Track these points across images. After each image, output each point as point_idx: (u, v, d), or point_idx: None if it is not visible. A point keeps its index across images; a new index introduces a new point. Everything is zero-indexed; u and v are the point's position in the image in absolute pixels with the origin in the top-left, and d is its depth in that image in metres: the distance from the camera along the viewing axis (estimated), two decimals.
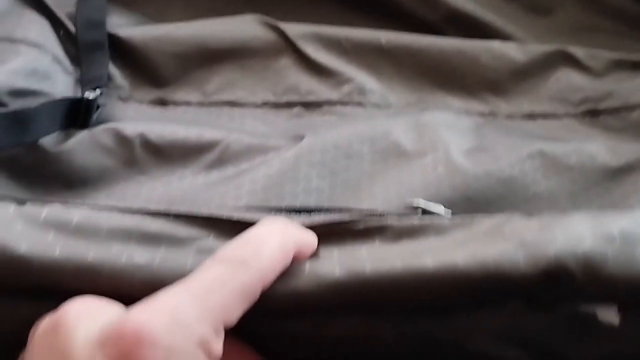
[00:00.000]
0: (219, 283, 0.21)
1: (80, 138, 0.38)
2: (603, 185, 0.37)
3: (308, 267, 0.23)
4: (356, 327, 0.23)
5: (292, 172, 0.36)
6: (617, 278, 0.22)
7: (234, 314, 0.21)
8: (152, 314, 0.20)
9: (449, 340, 0.23)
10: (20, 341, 0.21)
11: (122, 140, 0.39)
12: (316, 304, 0.22)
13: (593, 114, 0.44)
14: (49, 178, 0.36)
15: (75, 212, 0.25)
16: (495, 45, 0.45)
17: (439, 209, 0.27)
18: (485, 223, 0.24)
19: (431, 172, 0.36)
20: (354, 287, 0.22)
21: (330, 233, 0.25)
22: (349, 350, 0.24)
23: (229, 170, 0.37)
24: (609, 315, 0.23)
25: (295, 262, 0.23)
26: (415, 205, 0.27)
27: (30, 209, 0.24)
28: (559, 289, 0.22)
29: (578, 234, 0.22)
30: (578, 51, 0.45)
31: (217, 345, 0.20)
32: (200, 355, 0.20)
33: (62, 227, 0.24)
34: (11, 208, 0.24)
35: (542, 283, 0.22)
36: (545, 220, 0.24)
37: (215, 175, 0.37)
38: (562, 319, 0.23)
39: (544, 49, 0.45)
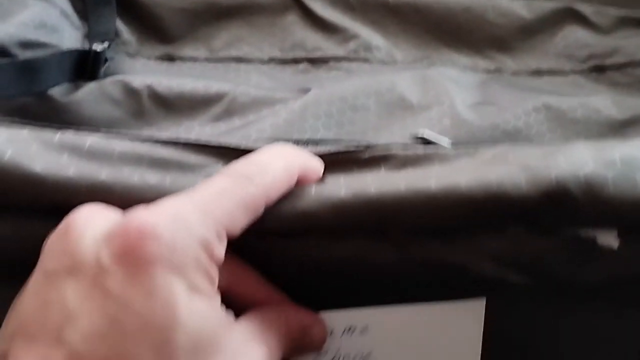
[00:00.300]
0: (222, 193, 0.21)
1: (89, 89, 0.39)
2: (608, 137, 0.37)
3: (314, 189, 0.23)
4: (360, 250, 0.24)
5: (299, 122, 0.37)
6: (617, 200, 0.22)
7: (237, 224, 0.21)
8: (155, 213, 0.20)
9: (451, 265, 0.24)
10: (34, 259, 0.21)
11: (130, 91, 0.40)
12: (321, 224, 0.23)
13: (599, 70, 0.44)
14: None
15: (88, 137, 0.25)
16: (502, 2, 0.45)
17: (443, 140, 0.28)
18: (489, 152, 0.24)
19: (436, 124, 0.37)
20: (359, 207, 0.22)
21: (337, 162, 0.25)
22: (352, 275, 0.24)
23: (236, 121, 0.38)
24: (609, 239, 0.23)
25: (300, 185, 0.24)
26: (420, 136, 0.28)
27: (44, 132, 0.25)
28: (560, 211, 0.22)
29: (580, 158, 0.23)
30: (585, 8, 0.45)
31: (220, 249, 0.21)
32: (202, 255, 0.20)
33: (75, 150, 0.24)
34: (25, 131, 0.25)
35: (543, 205, 0.22)
36: (548, 148, 0.24)
37: (222, 126, 0.38)
38: (563, 244, 0.23)
39: (551, 5, 0.45)
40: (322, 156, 0.25)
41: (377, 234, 0.23)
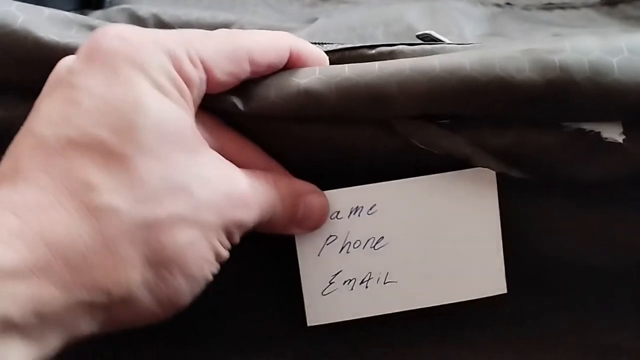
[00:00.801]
0: (205, 34, 0.22)
1: (95, 17, 0.38)
2: None
3: (318, 69, 0.23)
4: (365, 137, 0.23)
5: None
6: (622, 87, 0.22)
7: (217, 64, 0.21)
8: (130, 26, 0.21)
9: (454, 156, 0.23)
10: None
11: (136, 19, 0.39)
12: (325, 104, 0.22)
13: (611, 3, 0.44)
14: None
15: (96, 20, 0.26)
16: None
17: (447, 40, 0.27)
18: (496, 47, 0.24)
19: None
20: (364, 86, 0.22)
21: (344, 59, 0.25)
22: (355, 162, 0.24)
23: None
24: (614, 132, 0.23)
25: (299, 66, 0.24)
26: (426, 33, 0.27)
27: (53, 11, 0.25)
28: (563, 98, 0.22)
29: (585, 46, 0.22)
30: None
31: (192, 71, 0.21)
32: (167, 63, 0.20)
33: (84, 25, 0.25)
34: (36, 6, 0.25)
35: (546, 89, 0.22)
36: (554, 38, 0.24)
37: None
38: (567, 138, 0.23)
39: None
40: (328, 53, 0.25)
41: (381, 122, 0.23)
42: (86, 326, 0.19)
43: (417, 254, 0.25)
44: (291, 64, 0.24)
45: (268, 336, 0.27)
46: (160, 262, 0.19)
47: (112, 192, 0.19)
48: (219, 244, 0.21)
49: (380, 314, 0.25)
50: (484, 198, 0.25)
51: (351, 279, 0.25)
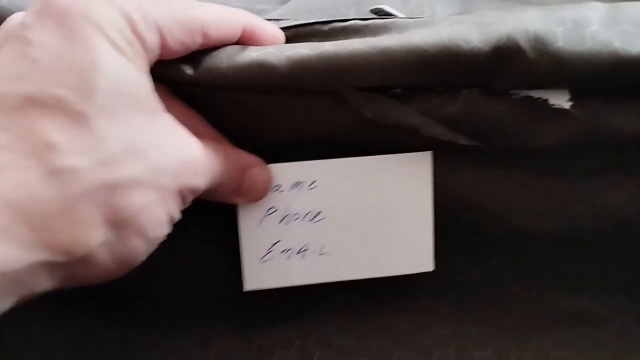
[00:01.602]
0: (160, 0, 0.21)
1: None
2: None
3: (273, 46, 0.23)
4: (320, 111, 0.24)
5: None
6: (566, 54, 0.22)
7: (172, 31, 0.21)
8: None
9: (404, 126, 0.24)
10: None
11: None
12: (278, 78, 0.22)
13: None
14: None
15: None
16: None
17: (400, 15, 0.28)
18: (446, 20, 0.24)
19: None
20: (314, 58, 0.22)
21: (298, 36, 0.25)
22: (306, 135, 0.25)
23: None
24: (561, 99, 0.23)
25: (252, 42, 0.24)
26: (378, 7, 0.28)
27: None
28: (510, 66, 0.22)
29: (531, 17, 0.23)
30: None
31: (147, 32, 0.21)
32: (122, 22, 0.20)
33: None
34: None
35: (493, 59, 0.22)
36: (502, 12, 0.24)
37: None
38: (516, 106, 0.24)
39: None
40: (283, 29, 0.25)
41: (334, 94, 0.24)
42: (44, 285, 0.19)
43: (351, 229, 0.26)
44: (244, 41, 0.24)
45: (209, 305, 0.28)
46: (118, 223, 0.19)
47: (73, 154, 0.19)
48: (173, 207, 0.21)
49: (314, 282, 0.26)
50: (418, 180, 0.26)
51: (288, 248, 0.26)
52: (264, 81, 0.23)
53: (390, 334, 0.28)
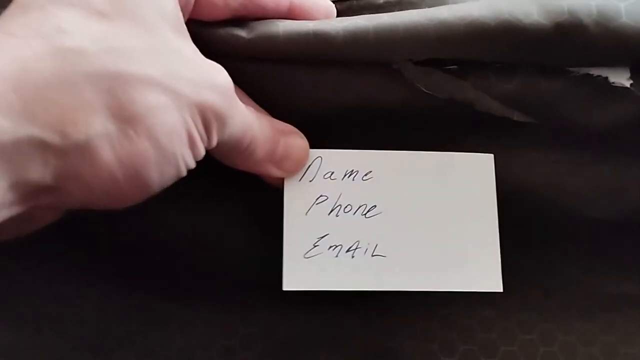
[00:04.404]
0: None
1: None
2: None
3: (337, 20, 0.23)
4: (375, 85, 0.23)
5: None
6: (629, 31, 0.21)
7: None
8: None
9: (458, 102, 0.24)
10: None
11: None
12: (333, 46, 0.22)
13: None
14: None
15: None
16: None
17: None
18: None
19: None
20: (371, 29, 0.22)
21: (352, 8, 0.25)
22: (357, 113, 0.24)
23: None
24: (621, 77, 0.23)
25: (303, 16, 0.23)
26: None
27: None
28: (571, 42, 0.22)
29: None
30: None
31: None
32: None
33: None
34: None
35: (554, 34, 0.22)
36: None
37: None
38: (574, 84, 0.23)
39: None
40: (335, 2, 0.25)
41: (389, 69, 0.23)
42: (37, 171, 0.17)
43: (408, 230, 0.24)
44: (294, 15, 0.23)
45: (240, 298, 0.27)
46: (125, 117, 0.18)
47: (84, 37, 0.18)
48: (192, 124, 0.19)
49: (363, 289, 0.24)
50: (482, 184, 0.24)
51: (337, 244, 0.24)
52: (321, 52, 0.22)
53: (437, 315, 0.28)
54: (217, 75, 0.20)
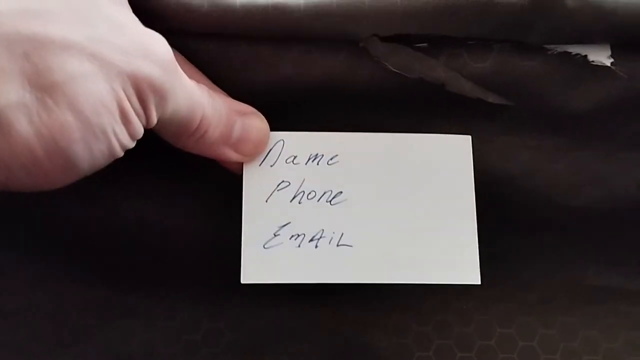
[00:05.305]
0: None
1: None
2: None
3: None
4: (339, 63, 0.22)
5: None
6: (609, 5, 0.20)
7: None
8: None
9: (430, 82, 0.22)
10: None
11: None
12: (293, 19, 0.21)
13: None
14: None
15: None
16: None
17: None
18: None
19: None
20: (334, 3, 0.21)
21: None
22: (326, 93, 0.23)
23: None
24: (601, 55, 0.22)
25: None
26: None
27: None
28: (548, 17, 0.21)
29: None
30: None
31: None
32: None
33: None
34: None
35: (530, 9, 0.20)
36: None
37: None
38: (552, 63, 0.22)
39: None
40: None
41: (355, 47, 0.22)
42: None
43: (377, 219, 0.22)
44: None
45: (204, 291, 0.26)
46: (43, 85, 0.16)
47: None
48: (124, 96, 0.18)
49: (327, 281, 0.22)
50: (458, 166, 0.23)
51: (300, 233, 0.22)
52: (280, 27, 0.21)
53: (412, 310, 0.27)
54: (155, 44, 0.19)
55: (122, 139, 0.18)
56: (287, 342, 0.26)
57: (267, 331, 0.26)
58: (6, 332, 0.25)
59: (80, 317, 0.26)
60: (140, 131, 0.19)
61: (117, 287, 0.26)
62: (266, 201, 0.22)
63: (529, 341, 0.26)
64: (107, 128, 0.18)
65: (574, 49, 0.22)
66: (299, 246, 0.22)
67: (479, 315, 0.27)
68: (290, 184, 0.23)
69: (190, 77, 0.20)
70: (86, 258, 0.26)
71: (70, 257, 0.26)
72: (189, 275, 0.26)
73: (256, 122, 0.22)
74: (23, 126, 0.16)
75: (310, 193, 0.23)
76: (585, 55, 0.22)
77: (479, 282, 0.22)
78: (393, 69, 0.22)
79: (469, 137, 0.23)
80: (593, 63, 0.22)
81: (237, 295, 0.26)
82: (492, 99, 0.23)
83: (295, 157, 0.23)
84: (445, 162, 0.23)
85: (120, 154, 0.19)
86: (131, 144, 0.19)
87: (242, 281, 0.22)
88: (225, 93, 0.23)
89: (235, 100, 0.22)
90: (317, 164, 0.23)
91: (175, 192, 0.25)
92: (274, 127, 0.23)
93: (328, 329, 0.26)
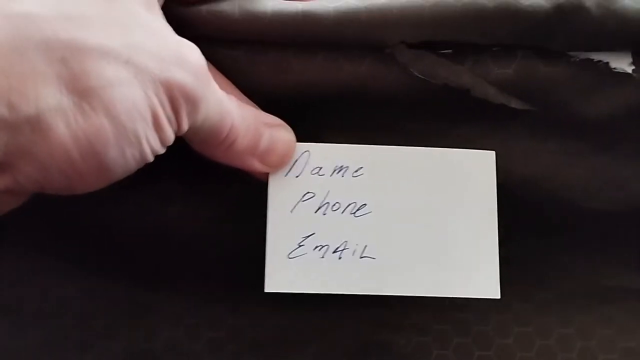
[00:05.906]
0: None
1: None
2: None
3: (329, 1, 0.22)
4: (367, 70, 0.23)
5: None
6: (632, 13, 0.21)
7: None
8: None
9: (454, 87, 0.23)
10: None
11: None
12: (322, 27, 0.21)
13: None
14: None
15: None
16: None
17: None
18: None
19: None
20: (362, 10, 0.21)
21: None
22: (350, 100, 0.23)
23: None
24: (623, 62, 0.22)
25: None
26: None
27: None
28: (571, 24, 0.21)
29: None
30: None
31: None
32: None
33: None
34: None
35: (554, 16, 0.21)
36: None
37: None
38: (574, 69, 0.22)
39: None
40: None
41: (381, 53, 0.22)
42: None
43: (400, 231, 0.23)
44: None
45: (228, 289, 0.26)
46: (80, 90, 0.17)
47: (35, 2, 0.16)
48: (157, 102, 0.18)
49: (350, 292, 0.22)
50: (482, 180, 0.23)
51: (324, 244, 0.22)
52: (310, 34, 0.21)
53: (431, 308, 0.27)
54: (188, 52, 0.19)
55: (153, 145, 0.19)
56: (310, 341, 0.27)
57: (290, 329, 0.27)
58: (33, 331, 0.26)
59: (105, 314, 0.26)
60: (171, 138, 0.19)
61: (141, 285, 0.26)
62: (291, 211, 0.23)
63: (547, 340, 0.27)
64: (140, 133, 0.18)
65: (596, 56, 0.22)
66: (323, 257, 0.22)
67: (497, 314, 0.27)
68: (315, 195, 0.23)
69: (220, 87, 0.21)
70: (112, 258, 0.27)
71: (97, 258, 0.26)
72: (213, 277, 0.27)
73: (283, 134, 0.23)
74: (61, 129, 0.17)
75: (334, 205, 0.23)
76: (607, 62, 0.22)
77: (499, 297, 0.23)
78: (418, 75, 0.23)
79: (493, 152, 0.23)
80: (615, 70, 0.22)
81: (260, 296, 0.27)
82: (514, 104, 0.23)
83: (320, 168, 0.23)
84: (469, 176, 0.23)
85: (151, 159, 0.19)
86: (162, 150, 0.19)
87: (266, 290, 0.22)
88: (254, 104, 0.23)
89: (264, 112, 0.23)
90: (342, 175, 0.23)
91: (200, 196, 0.26)
92: (299, 133, 0.23)
93: (349, 328, 0.27)
